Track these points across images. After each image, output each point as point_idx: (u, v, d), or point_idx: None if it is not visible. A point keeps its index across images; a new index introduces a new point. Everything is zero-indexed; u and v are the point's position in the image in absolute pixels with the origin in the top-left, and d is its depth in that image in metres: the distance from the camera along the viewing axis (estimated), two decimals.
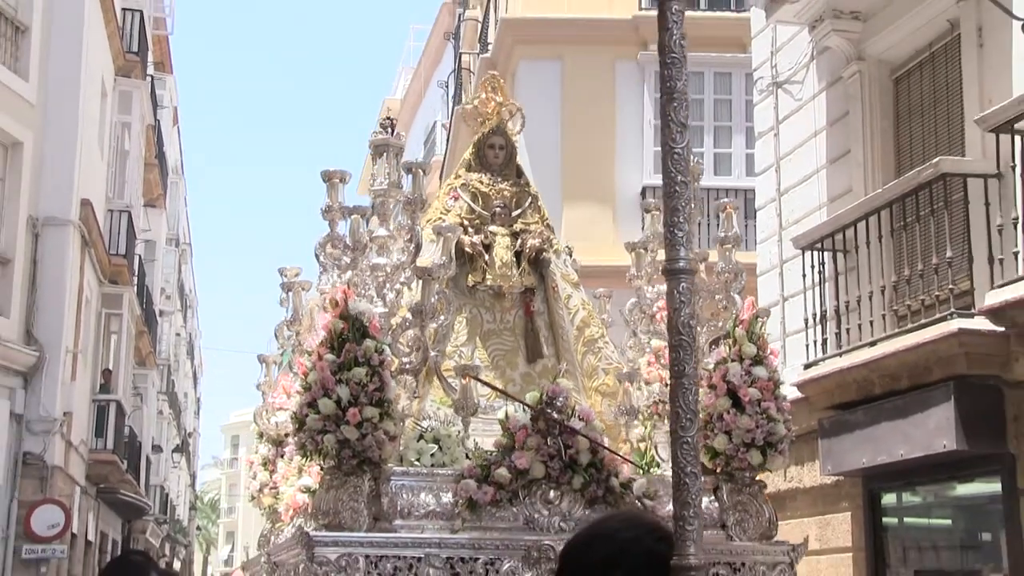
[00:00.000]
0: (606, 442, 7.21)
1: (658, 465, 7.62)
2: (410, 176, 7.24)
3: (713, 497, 7.24)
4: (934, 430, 11.28)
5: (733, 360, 7.23)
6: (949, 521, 13.70)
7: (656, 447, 7.75)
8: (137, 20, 30.58)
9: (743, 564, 7.09)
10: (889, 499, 13.75)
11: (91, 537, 29.46)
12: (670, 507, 7.30)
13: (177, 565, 55.34)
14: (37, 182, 22.42)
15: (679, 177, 2.79)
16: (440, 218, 8.00)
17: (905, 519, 13.99)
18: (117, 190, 29.99)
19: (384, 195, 7.01)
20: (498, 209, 8.24)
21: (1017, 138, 10.37)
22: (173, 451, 55.30)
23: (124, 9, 28.95)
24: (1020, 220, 10.26)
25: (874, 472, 12.78)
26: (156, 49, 37.00)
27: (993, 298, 10.39)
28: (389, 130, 7.04)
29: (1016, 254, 10.33)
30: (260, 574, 8.33)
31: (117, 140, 30.20)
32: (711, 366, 7.39)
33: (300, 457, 7.12)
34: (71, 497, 24.50)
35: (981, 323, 10.82)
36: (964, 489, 12.85)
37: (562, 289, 8.35)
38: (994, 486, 11.68)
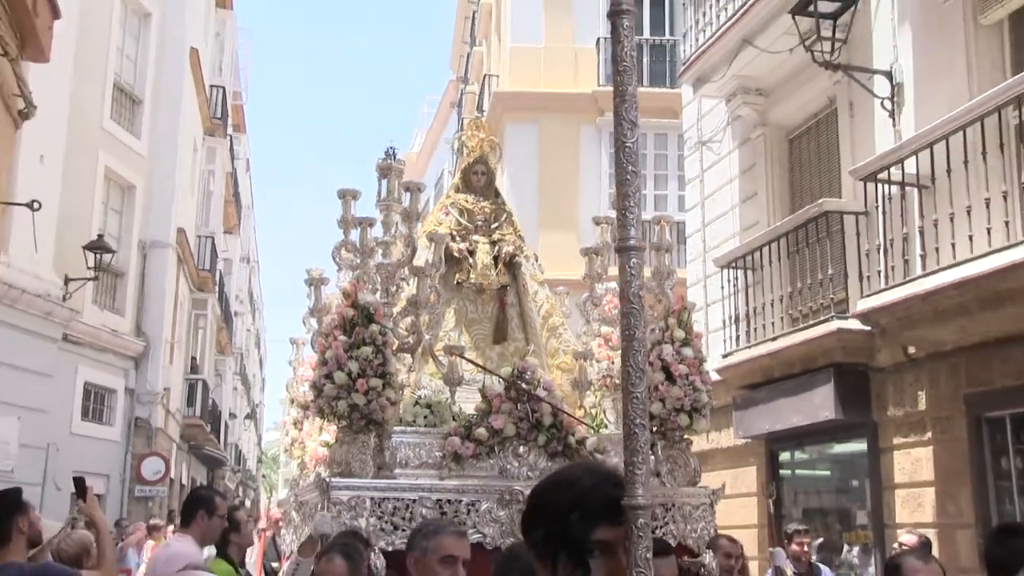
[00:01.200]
0: (565, 408, 6.77)
1: (606, 426, 7.21)
2: (408, 193, 6.80)
3: (650, 452, 6.76)
4: (818, 404, 11.40)
5: (666, 342, 6.77)
6: (828, 472, 13.71)
7: (604, 412, 7.33)
8: (220, 94, 30.44)
9: (673, 504, 6.71)
10: (785, 456, 13.77)
11: (184, 481, 29.19)
12: (614, 459, 7.00)
13: (248, 504, 54.93)
14: (145, 215, 22.20)
15: (630, 167, 2.43)
16: (434, 229, 7.58)
17: (796, 471, 13.97)
18: (204, 221, 29.67)
19: (387, 208, 6.63)
20: (480, 222, 7.85)
21: (879, 186, 10.25)
22: (245, 417, 55.21)
23: (211, 86, 28.84)
24: (881, 247, 10.19)
25: (774, 436, 12.85)
26: (234, 115, 36.69)
27: (863, 305, 10.26)
28: (392, 156, 6.64)
29: (879, 272, 10.21)
30: (290, 511, 7.88)
31: (204, 183, 29.90)
32: (649, 347, 6.94)
33: (319, 418, 6.66)
34: (169, 451, 24.27)
35: (854, 324, 10.76)
36: (840, 448, 12.89)
37: (530, 286, 7.93)
38: (862, 446, 11.80)
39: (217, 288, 31.29)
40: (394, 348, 6.34)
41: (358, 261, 6.45)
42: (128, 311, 21.63)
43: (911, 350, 10.61)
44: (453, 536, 4.17)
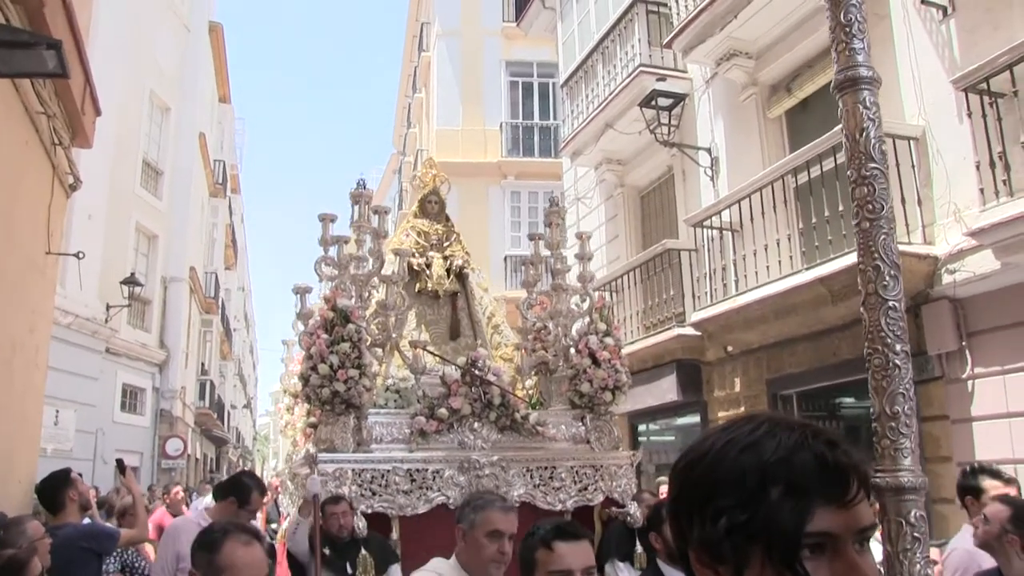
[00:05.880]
0: (510, 390, 5.97)
1: (541, 403, 6.32)
2: (376, 216, 5.95)
3: (581, 423, 5.98)
4: (665, 389, 10.91)
5: (591, 334, 6.01)
6: (673, 438, 13.01)
7: (540, 392, 6.41)
8: (221, 166, 29.23)
9: (602, 466, 5.82)
10: (642, 427, 13.22)
11: (198, 456, 27.97)
12: (552, 431, 5.65)
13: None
14: (166, 257, 21.07)
15: None
16: (398, 246, 6.61)
17: (651, 438, 13.29)
18: (209, 261, 28.16)
19: (359, 228, 5.78)
20: (434, 241, 6.96)
21: (704, 230, 9.89)
22: (243, 407, 52.94)
23: (215, 160, 27.78)
24: (707, 275, 9.80)
25: (634, 413, 12.13)
26: (232, 182, 34.98)
27: (695, 316, 9.88)
28: (363, 186, 5.83)
29: (706, 293, 9.80)
30: (286, 481, 6.87)
31: (209, 232, 28.54)
32: (575, 337, 6.20)
33: (307, 403, 5.75)
34: (187, 433, 23.09)
35: (689, 330, 10.31)
36: (681, 421, 12.22)
37: (476, 292, 7.02)
38: (696, 418, 11.26)
39: (220, 311, 29.93)
40: (368, 344, 5.40)
41: (336, 273, 5.52)
42: (154, 329, 20.50)
43: (729, 348, 10.24)
44: (500, 511, 3.09)
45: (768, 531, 0.95)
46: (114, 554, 6.14)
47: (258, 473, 59.69)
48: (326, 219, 5.60)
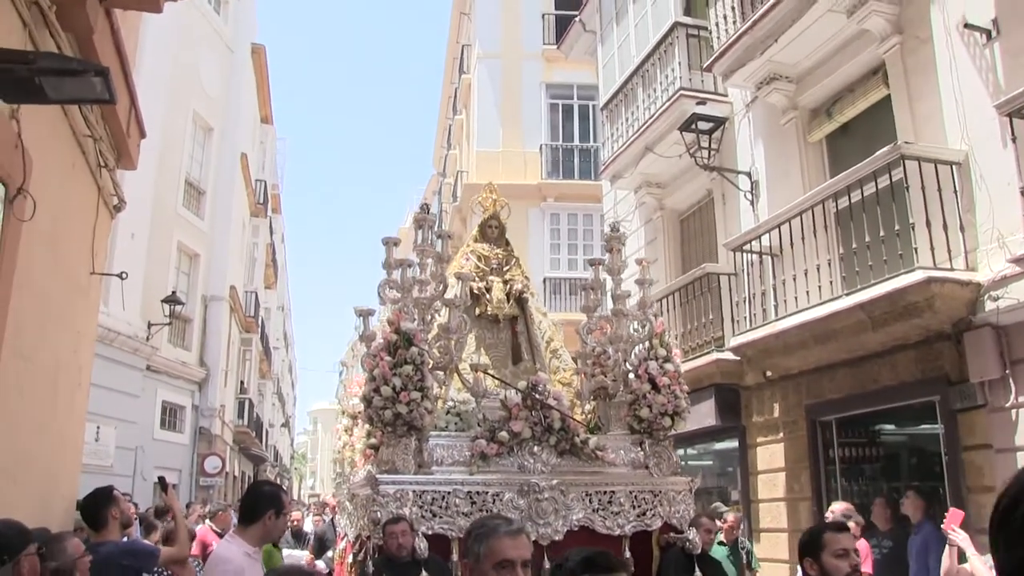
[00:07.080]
0: (571, 414, 5.95)
1: (599, 428, 6.30)
2: (439, 240, 6.00)
3: (639, 448, 5.99)
4: (704, 414, 10.76)
5: (651, 359, 5.99)
6: (712, 462, 12.84)
7: (599, 417, 6.40)
8: (263, 186, 29.38)
9: (661, 491, 5.81)
10: (680, 452, 12.77)
11: (236, 474, 27.96)
12: (611, 456, 5.77)
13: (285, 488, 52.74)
14: (207, 276, 21.21)
15: None
16: (459, 270, 6.71)
17: (688, 463, 12.98)
18: (249, 280, 28.33)
19: (422, 252, 5.84)
20: (494, 265, 6.98)
21: (744, 254, 9.86)
22: (281, 426, 52.96)
23: (256, 180, 27.94)
24: (747, 299, 9.75)
25: (675, 437, 11.79)
26: (272, 201, 35.19)
27: (734, 341, 9.81)
28: (426, 211, 5.87)
29: (746, 318, 9.75)
30: (344, 501, 6.88)
31: (250, 252, 28.68)
32: (636, 362, 6.18)
33: (368, 425, 5.76)
34: (225, 451, 23.10)
35: (728, 355, 10.27)
36: (720, 445, 12.09)
37: (536, 317, 7.02)
38: (735, 443, 11.16)
39: (259, 330, 29.96)
40: (430, 367, 5.42)
41: (399, 296, 5.62)
42: (194, 348, 20.62)
43: (768, 373, 10.15)
44: (507, 537, 2.44)
45: None
46: (154, 571, 6.17)
47: (295, 493, 59.13)
48: (389, 243, 5.64)
